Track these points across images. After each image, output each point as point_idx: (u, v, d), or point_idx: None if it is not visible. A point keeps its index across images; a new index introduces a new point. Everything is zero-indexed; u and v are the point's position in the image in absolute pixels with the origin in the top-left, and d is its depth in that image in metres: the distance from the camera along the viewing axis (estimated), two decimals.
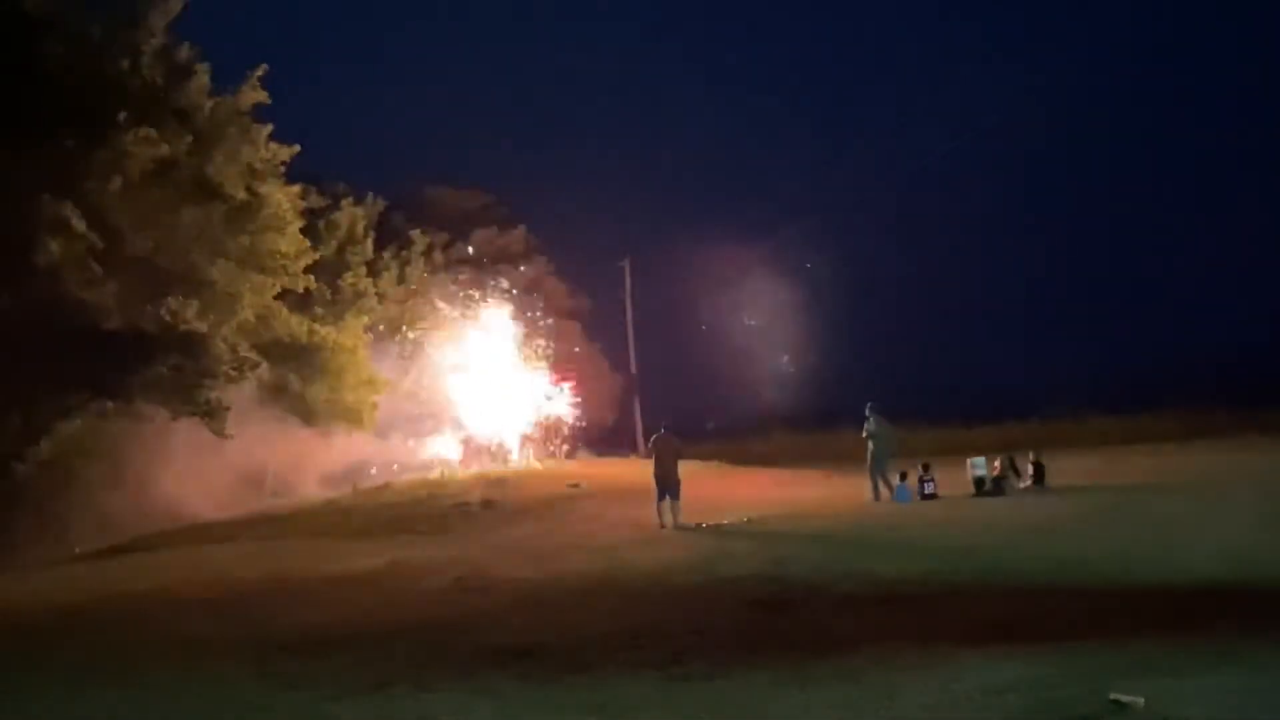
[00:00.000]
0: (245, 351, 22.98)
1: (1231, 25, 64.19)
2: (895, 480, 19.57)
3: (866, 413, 20.19)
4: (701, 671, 7.36)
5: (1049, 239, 58.18)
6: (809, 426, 37.82)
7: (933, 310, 50.33)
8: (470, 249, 36.38)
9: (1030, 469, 20.15)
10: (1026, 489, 19.61)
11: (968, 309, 50.96)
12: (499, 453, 31.53)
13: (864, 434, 20.05)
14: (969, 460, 20.15)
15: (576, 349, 37.24)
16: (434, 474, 27.64)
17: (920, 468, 19.86)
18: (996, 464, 20.02)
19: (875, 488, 19.55)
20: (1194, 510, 15.00)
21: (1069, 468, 21.29)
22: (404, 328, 31.91)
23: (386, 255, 32.34)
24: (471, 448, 31.98)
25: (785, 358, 42.99)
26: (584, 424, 34.10)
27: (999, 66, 71.05)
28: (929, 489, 19.35)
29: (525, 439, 31.92)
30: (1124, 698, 5.77)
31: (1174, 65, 64.52)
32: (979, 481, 19.55)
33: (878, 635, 8.20)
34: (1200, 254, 54.12)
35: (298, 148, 24.94)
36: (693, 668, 7.46)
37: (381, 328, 31.10)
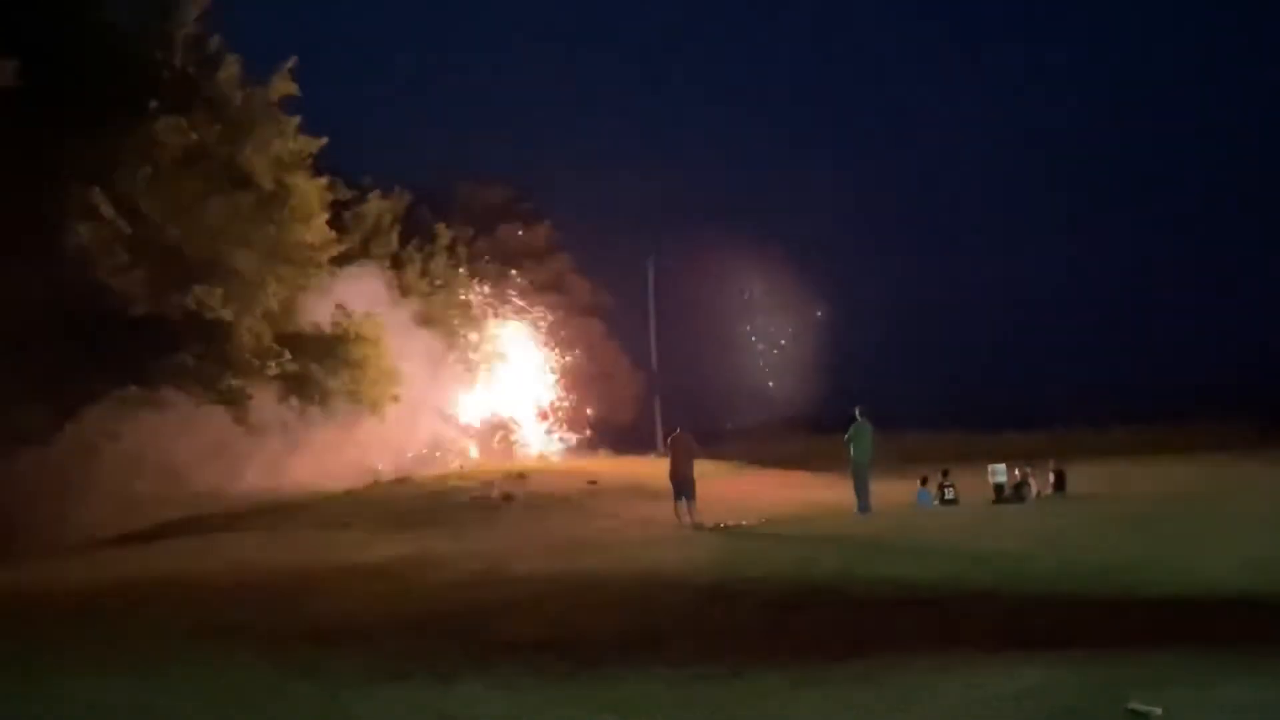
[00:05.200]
0: (268, 341, 23.11)
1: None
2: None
3: (856, 416, 18.55)
4: (718, 671, 7.35)
5: (1076, 247, 57.76)
6: (830, 429, 37.68)
7: (957, 316, 50.00)
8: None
9: (1051, 477, 20.08)
10: (1047, 496, 19.55)
11: (991, 316, 50.62)
12: (519, 446, 31.62)
13: (846, 438, 18.55)
14: (989, 467, 20.09)
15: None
16: (454, 467, 27.71)
17: (940, 473, 19.85)
18: (1017, 471, 19.97)
19: (865, 499, 18.15)
20: (1216, 521, 14.88)
21: (1091, 476, 21.17)
22: (428, 321, 32.00)
23: (411, 248, 32.43)
24: (492, 441, 32.06)
25: (808, 359, 42.87)
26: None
27: (1024, 56, 70.57)
28: (949, 494, 19.33)
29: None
30: (1141, 707, 5.75)
31: (1201, 63, 63.84)
32: (999, 488, 19.51)
33: (896, 639, 8.18)
34: (1227, 264, 53.63)
35: (326, 140, 25.16)
36: (709, 668, 7.45)
37: (405, 320, 31.18)
